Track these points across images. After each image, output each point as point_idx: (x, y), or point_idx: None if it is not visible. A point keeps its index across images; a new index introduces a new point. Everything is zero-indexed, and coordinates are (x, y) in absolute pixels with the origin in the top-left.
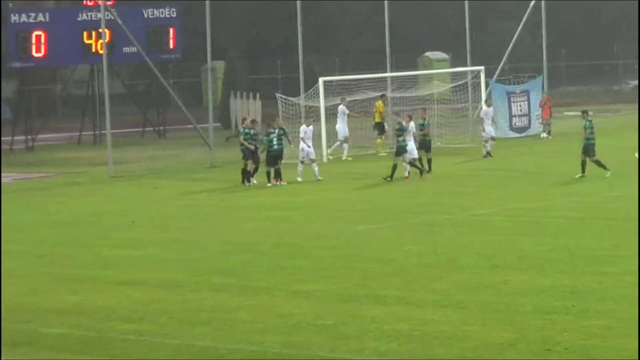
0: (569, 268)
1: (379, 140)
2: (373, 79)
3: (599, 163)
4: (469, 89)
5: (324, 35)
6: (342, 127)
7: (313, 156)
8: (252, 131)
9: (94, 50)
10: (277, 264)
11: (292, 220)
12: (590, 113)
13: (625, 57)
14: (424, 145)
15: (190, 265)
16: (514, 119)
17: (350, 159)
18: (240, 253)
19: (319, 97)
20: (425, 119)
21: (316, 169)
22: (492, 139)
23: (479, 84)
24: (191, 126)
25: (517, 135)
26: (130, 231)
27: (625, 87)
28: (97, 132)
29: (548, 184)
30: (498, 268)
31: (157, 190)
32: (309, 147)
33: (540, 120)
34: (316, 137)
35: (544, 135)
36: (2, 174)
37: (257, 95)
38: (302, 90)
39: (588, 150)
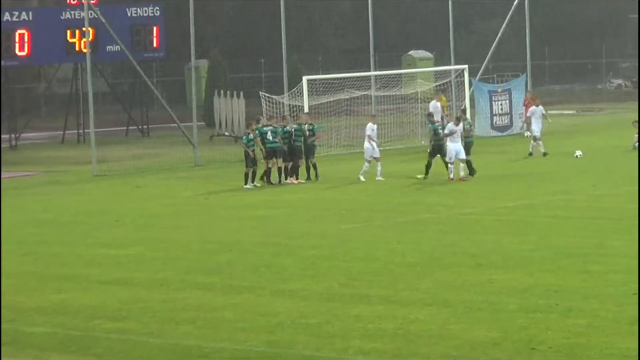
0: (553, 267)
1: None
2: (357, 77)
3: None
4: (453, 87)
5: (308, 34)
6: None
7: (378, 154)
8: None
9: (77, 49)
10: (261, 262)
11: (277, 219)
12: None
13: (609, 56)
14: (310, 150)
15: (174, 264)
16: (494, 117)
17: None
18: (224, 252)
19: (302, 96)
20: (312, 124)
21: (379, 168)
22: (538, 139)
23: (462, 82)
24: (175, 125)
25: (499, 134)
26: (114, 230)
27: (608, 85)
28: (81, 131)
29: (532, 182)
30: (482, 267)
31: (141, 189)
32: (373, 146)
33: (523, 119)
34: None
35: (528, 134)
36: None
37: (241, 94)
38: (285, 89)
39: None
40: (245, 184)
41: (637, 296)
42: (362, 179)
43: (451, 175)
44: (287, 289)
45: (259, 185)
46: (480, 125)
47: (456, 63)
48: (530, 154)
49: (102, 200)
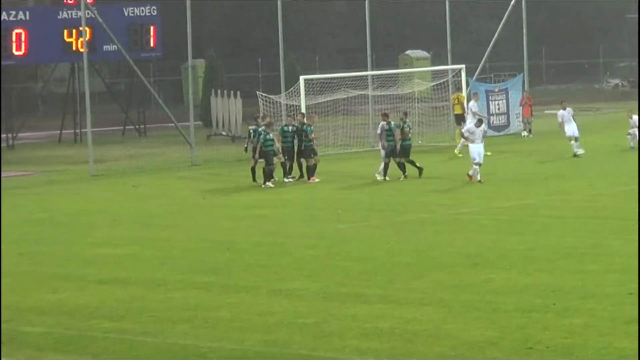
0: (550, 266)
1: (459, 131)
2: (354, 77)
3: None
4: (450, 87)
5: (305, 34)
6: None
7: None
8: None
9: (74, 48)
10: (258, 262)
11: (274, 218)
12: None
13: (606, 55)
14: (309, 151)
15: (171, 263)
16: (492, 117)
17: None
18: (221, 251)
19: (299, 95)
20: (309, 124)
21: (381, 167)
22: (570, 139)
23: (460, 82)
24: (172, 124)
25: (496, 133)
26: (111, 229)
27: (605, 85)
28: (78, 131)
29: (529, 182)
30: (479, 266)
31: (138, 189)
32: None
33: (520, 119)
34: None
35: (525, 133)
36: None
37: (238, 93)
38: (282, 89)
39: None
40: (267, 181)
41: (634, 296)
42: (386, 178)
43: (478, 177)
44: (284, 289)
45: (272, 185)
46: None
47: (453, 63)
48: (575, 155)
49: (99, 199)
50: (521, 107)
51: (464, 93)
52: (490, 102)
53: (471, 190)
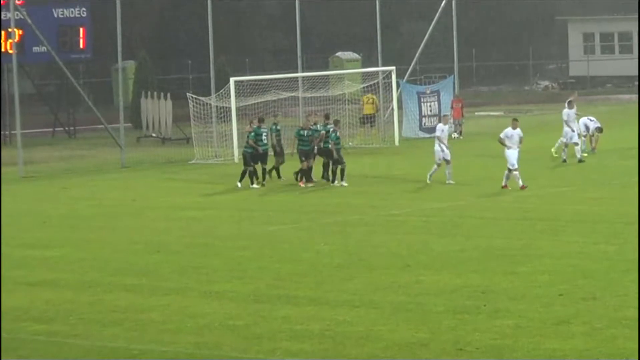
0: (480, 268)
1: (374, 131)
2: (284, 79)
3: None
4: (380, 89)
5: (235, 35)
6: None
7: (449, 157)
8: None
9: (3, 49)
10: (189, 264)
11: (205, 220)
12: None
13: (536, 57)
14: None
15: (102, 265)
16: (424, 119)
17: (586, 154)
18: (152, 253)
19: (230, 97)
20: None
21: (449, 171)
22: (565, 145)
23: (390, 84)
24: (102, 126)
25: (428, 135)
26: (41, 231)
27: (535, 87)
28: (7, 132)
29: (460, 183)
30: (410, 268)
31: (68, 191)
32: (445, 147)
33: (451, 121)
34: (228, 137)
35: (455, 135)
36: None
37: (168, 95)
38: (213, 90)
39: None
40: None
41: (564, 297)
42: (429, 181)
43: (520, 182)
44: (215, 291)
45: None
46: (409, 127)
47: (384, 64)
48: (580, 160)
49: (29, 201)
50: (452, 109)
51: (394, 95)
52: (423, 104)
53: (402, 191)
